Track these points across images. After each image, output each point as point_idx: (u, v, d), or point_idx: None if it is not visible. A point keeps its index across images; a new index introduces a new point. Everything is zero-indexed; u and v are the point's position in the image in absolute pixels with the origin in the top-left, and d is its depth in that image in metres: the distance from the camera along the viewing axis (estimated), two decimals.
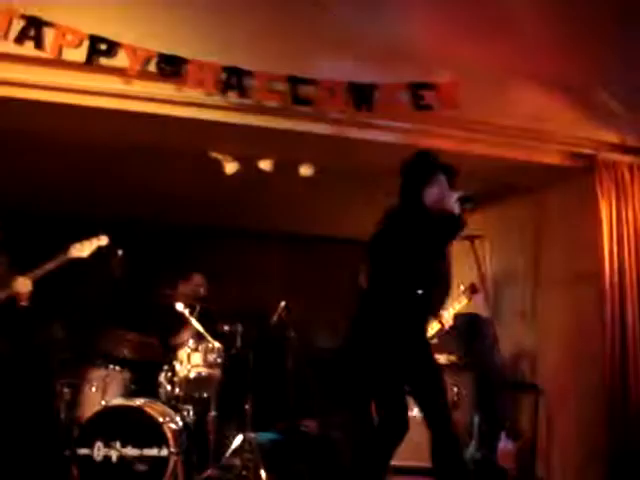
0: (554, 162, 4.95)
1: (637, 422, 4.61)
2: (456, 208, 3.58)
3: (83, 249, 4.51)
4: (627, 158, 4.99)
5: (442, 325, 4.77)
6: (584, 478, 4.51)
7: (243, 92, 4.27)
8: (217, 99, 4.27)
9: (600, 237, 4.83)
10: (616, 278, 4.78)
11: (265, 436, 5.63)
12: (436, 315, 4.55)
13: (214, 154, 5.13)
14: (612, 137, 4.99)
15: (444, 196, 3.62)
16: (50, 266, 4.42)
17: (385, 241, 3.68)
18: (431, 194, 3.64)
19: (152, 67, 4.15)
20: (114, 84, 4.14)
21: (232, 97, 4.27)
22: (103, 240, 4.60)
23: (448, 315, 4.83)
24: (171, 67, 4.16)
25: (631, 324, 4.73)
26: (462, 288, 5.01)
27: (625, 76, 5.05)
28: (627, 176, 4.96)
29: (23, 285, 4.36)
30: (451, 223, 3.60)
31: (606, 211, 4.87)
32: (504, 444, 5.13)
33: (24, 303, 4.38)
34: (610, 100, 5.02)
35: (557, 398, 5.36)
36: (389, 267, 3.63)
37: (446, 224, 3.60)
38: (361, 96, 4.41)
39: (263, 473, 4.96)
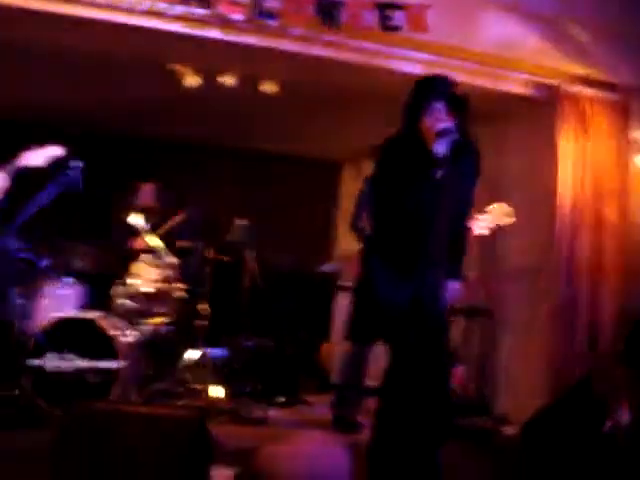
0: (518, 91, 4.92)
1: (581, 359, 4.72)
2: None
3: (36, 157, 4.38)
4: (590, 92, 4.98)
5: None
6: (529, 404, 4.66)
7: (207, 3, 4.14)
8: (179, 9, 4.14)
9: (556, 169, 4.85)
10: (570, 212, 4.82)
11: (218, 351, 5.71)
12: None
13: (174, 66, 5.00)
14: (577, 69, 4.97)
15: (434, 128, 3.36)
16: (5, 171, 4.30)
17: (385, 174, 3.47)
18: (426, 123, 3.39)
19: None
20: None
21: (194, 7, 4.14)
22: (56, 150, 4.47)
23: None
24: None
25: (582, 258, 4.80)
26: None
27: (596, 9, 5.00)
28: (588, 110, 4.94)
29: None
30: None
31: (565, 143, 4.87)
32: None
33: None
34: (578, 32, 4.98)
35: (507, 327, 5.48)
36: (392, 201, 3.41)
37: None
38: (328, 13, 4.30)
39: (215, 387, 5.05)
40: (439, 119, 3.34)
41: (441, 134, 3.30)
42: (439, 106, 3.36)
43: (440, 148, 3.28)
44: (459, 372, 5.38)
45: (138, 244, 5.43)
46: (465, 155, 3.37)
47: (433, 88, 3.42)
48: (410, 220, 3.36)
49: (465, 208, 3.56)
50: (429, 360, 3.26)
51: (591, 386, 3.98)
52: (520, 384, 5.21)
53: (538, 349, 5.03)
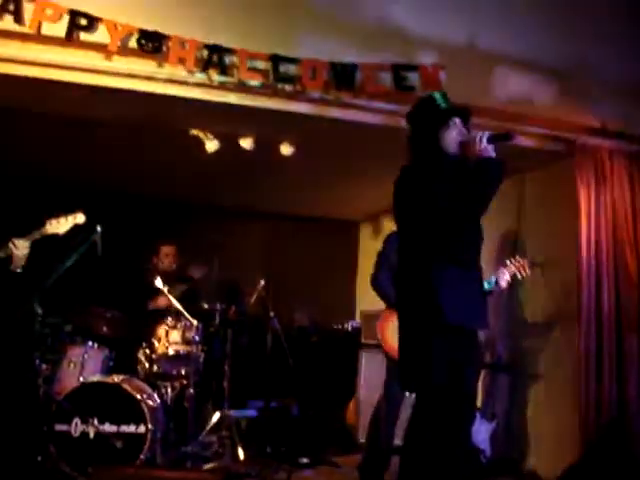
0: (534, 145, 4.96)
1: (609, 411, 4.64)
2: (491, 151, 3.31)
3: (60, 226, 4.46)
4: (607, 143, 4.99)
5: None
6: (559, 459, 4.57)
7: (224, 70, 4.23)
8: (198, 77, 4.24)
9: (578, 223, 4.85)
10: (593, 263, 4.79)
11: (243, 413, 5.68)
12: None
13: (195, 132, 5.11)
14: (592, 121, 4.99)
15: (469, 139, 3.35)
16: (28, 239, 4.38)
17: (412, 204, 3.32)
18: (451, 139, 3.37)
19: (133, 43, 4.11)
20: (94, 60, 4.09)
21: (213, 75, 4.24)
22: (80, 218, 4.54)
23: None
24: (152, 43, 4.11)
25: (607, 311, 4.75)
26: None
27: (607, 61, 5.07)
28: (606, 161, 4.95)
29: (22, 247, 4.30)
30: (494, 167, 3.28)
31: (584, 196, 4.88)
32: (478, 425, 5.19)
33: (17, 268, 4.32)
34: (591, 84, 5.03)
35: (532, 381, 5.42)
36: (427, 231, 3.28)
37: (488, 169, 3.27)
38: (343, 76, 4.38)
39: (240, 450, 5.02)
40: (461, 132, 3.40)
41: (497, 139, 3.33)
42: (457, 120, 3.41)
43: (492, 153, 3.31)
44: (487, 429, 5.31)
45: (159, 303, 5.48)
46: None
47: (447, 105, 3.44)
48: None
49: None
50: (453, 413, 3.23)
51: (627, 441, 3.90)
52: (548, 439, 5.13)
53: (564, 403, 4.96)
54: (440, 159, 3.35)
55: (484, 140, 3.31)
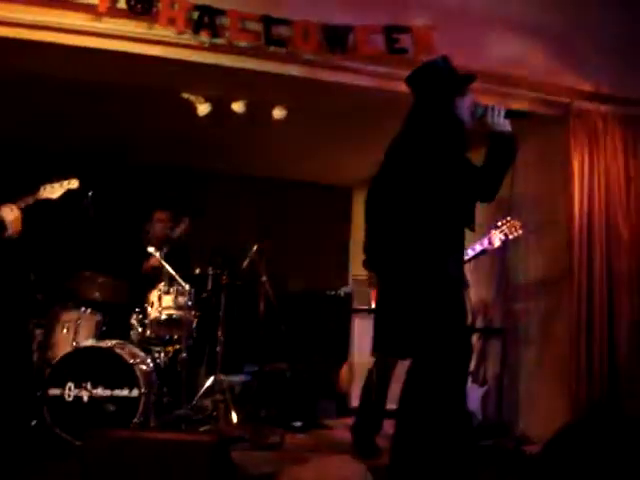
0: (528, 109, 4.93)
1: (601, 374, 4.68)
2: (508, 125, 3.19)
3: (54, 191, 4.45)
4: (601, 107, 4.97)
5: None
6: (550, 422, 4.61)
7: (215, 31, 4.19)
8: (188, 38, 4.19)
9: (571, 186, 4.85)
10: (585, 227, 4.80)
11: (236, 377, 5.70)
12: None
13: (186, 95, 5.06)
14: (586, 85, 4.97)
15: (487, 111, 3.19)
16: (21, 204, 4.37)
17: (421, 171, 3.19)
18: (466, 108, 3.24)
19: (122, 4, 4.06)
20: (84, 21, 4.03)
21: (204, 36, 4.19)
22: (74, 183, 4.53)
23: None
24: (142, 4, 4.06)
25: (598, 274, 4.76)
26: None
27: (601, 23, 5.02)
28: (600, 125, 4.94)
29: (9, 212, 4.27)
30: (512, 143, 3.19)
31: (578, 160, 4.87)
32: (470, 389, 5.21)
33: (11, 234, 4.30)
34: (585, 48, 4.99)
35: (523, 344, 5.45)
36: (436, 201, 3.18)
37: (507, 144, 3.18)
38: (335, 38, 4.34)
39: (234, 414, 5.05)
40: (474, 101, 3.28)
41: (512, 115, 3.23)
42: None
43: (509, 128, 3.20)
44: (479, 393, 5.35)
45: (150, 263, 5.49)
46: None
47: (457, 73, 3.32)
48: None
49: None
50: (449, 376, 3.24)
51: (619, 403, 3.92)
52: (539, 402, 5.17)
53: (556, 366, 5.00)
54: (457, 128, 3.24)
55: (502, 114, 3.20)
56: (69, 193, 4.54)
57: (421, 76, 3.37)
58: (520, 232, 4.55)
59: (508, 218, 4.56)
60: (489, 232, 4.38)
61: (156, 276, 5.34)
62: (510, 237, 4.51)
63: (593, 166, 4.90)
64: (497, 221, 4.54)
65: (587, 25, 4.99)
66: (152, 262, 5.51)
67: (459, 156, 3.17)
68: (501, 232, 4.41)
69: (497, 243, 4.34)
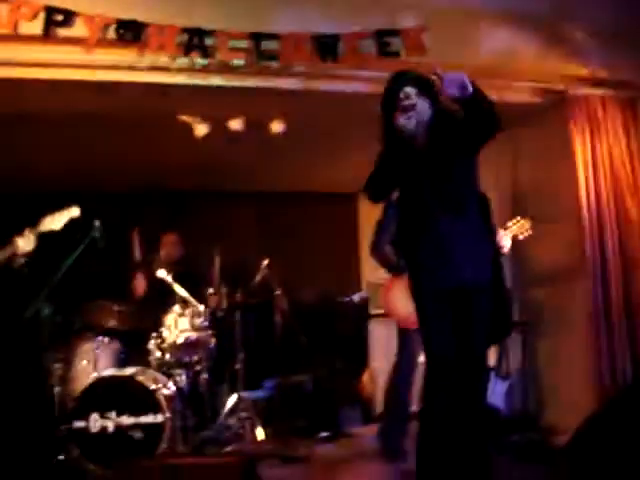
0: (525, 100, 4.92)
1: (622, 360, 4.66)
2: (469, 86, 3.03)
3: (54, 221, 4.42)
4: (598, 91, 4.96)
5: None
6: (576, 411, 4.59)
7: (206, 52, 4.21)
8: (180, 61, 4.21)
9: (576, 174, 4.83)
10: (594, 213, 4.79)
11: (258, 393, 5.70)
12: None
13: (183, 117, 5.08)
14: (581, 71, 4.95)
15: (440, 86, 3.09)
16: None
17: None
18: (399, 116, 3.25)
19: (111, 34, 4.08)
20: (75, 55, 4.06)
21: (195, 58, 4.21)
22: (74, 211, 4.50)
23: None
24: (131, 32, 4.09)
25: (612, 259, 4.75)
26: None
27: (591, 8, 5.00)
28: (599, 109, 4.92)
29: (27, 241, 4.27)
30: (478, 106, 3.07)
31: (581, 146, 4.85)
32: (493, 384, 5.19)
33: (21, 264, 4.30)
34: (578, 33, 4.98)
35: (544, 336, 5.43)
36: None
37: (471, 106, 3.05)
38: (325, 47, 4.35)
39: (260, 430, 5.05)
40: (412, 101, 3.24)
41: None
42: (408, 91, 3.25)
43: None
44: (503, 387, 5.32)
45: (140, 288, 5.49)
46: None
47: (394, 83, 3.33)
48: None
49: None
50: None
51: None
52: (563, 393, 5.15)
53: (577, 355, 4.97)
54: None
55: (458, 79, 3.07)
56: (74, 223, 4.53)
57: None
58: (530, 232, 4.50)
59: (518, 218, 4.52)
60: (498, 234, 4.33)
61: (160, 297, 5.35)
62: (520, 237, 4.47)
63: (596, 151, 4.88)
64: (506, 222, 4.50)
65: (576, 10, 4.96)
66: (138, 286, 5.50)
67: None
68: (511, 233, 4.38)
69: (507, 245, 4.29)
